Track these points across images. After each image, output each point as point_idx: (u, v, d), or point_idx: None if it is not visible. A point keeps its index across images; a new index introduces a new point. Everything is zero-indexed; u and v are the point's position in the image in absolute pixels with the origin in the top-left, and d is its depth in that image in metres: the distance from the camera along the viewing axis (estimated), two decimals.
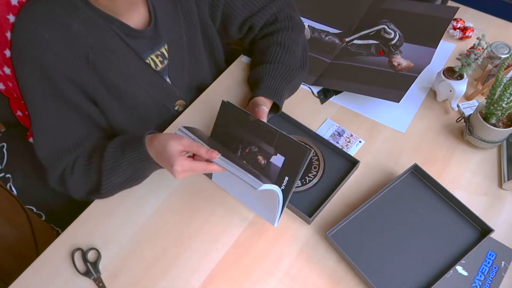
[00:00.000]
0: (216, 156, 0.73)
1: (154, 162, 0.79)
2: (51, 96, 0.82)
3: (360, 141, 0.98)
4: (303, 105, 1.05)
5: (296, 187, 0.89)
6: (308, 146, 0.77)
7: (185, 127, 0.81)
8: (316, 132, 0.98)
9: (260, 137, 0.83)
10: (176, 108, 1.05)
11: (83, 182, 0.86)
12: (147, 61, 0.92)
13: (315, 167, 0.93)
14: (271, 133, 0.81)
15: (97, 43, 0.83)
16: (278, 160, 0.82)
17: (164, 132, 1.01)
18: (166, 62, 0.96)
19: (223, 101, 0.89)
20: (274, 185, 0.75)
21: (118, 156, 0.81)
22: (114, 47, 0.85)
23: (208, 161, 0.75)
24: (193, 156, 0.76)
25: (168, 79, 0.99)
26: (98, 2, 0.81)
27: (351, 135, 0.99)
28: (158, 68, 0.95)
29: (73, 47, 0.80)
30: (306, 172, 0.92)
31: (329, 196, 0.88)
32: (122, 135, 0.86)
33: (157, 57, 0.94)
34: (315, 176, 0.92)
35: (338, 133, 0.99)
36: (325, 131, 1.00)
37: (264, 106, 0.91)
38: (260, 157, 0.84)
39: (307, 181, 0.91)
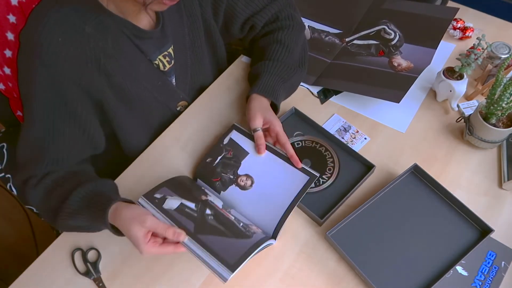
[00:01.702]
0: (183, 239, 0.73)
1: (112, 227, 0.77)
2: (52, 103, 0.80)
3: (365, 138, 0.98)
4: (304, 105, 1.05)
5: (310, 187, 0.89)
6: (314, 172, 0.84)
7: (147, 196, 0.80)
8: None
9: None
10: (178, 108, 1.05)
11: (40, 201, 0.83)
12: (156, 62, 0.93)
13: (329, 169, 0.93)
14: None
15: (108, 46, 0.82)
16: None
17: (165, 131, 1.02)
18: (173, 62, 0.97)
19: (234, 124, 0.94)
20: (242, 261, 0.72)
21: (81, 206, 0.79)
22: (124, 50, 0.85)
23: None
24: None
25: (173, 80, 0.99)
26: (109, 5, 0.81)
27: (357, 131, 0.99)
28: (166, 69, 0.96)
29: (85, 51, 0.80)
30: (320, 174, 0.92)
31: (341, 199, 0.87)
32: (94, 184, 0.82)
33: (164, 57, 0.94)
34: (329, 177, 0.92)
35: (344, 128, 0.99)
36: (331, 126, 1.00)
37: (258, 129, 0.90)
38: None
39: (321, 183, 0.91)
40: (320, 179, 0.91)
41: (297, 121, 1.02)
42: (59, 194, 0.81)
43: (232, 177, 0.88)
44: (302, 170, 0.85)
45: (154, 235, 0.74)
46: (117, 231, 0.77)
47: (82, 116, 0.84)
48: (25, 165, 0.84)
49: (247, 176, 0.88)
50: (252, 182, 0.87)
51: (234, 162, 0.90)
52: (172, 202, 0.81)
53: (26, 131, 0.83)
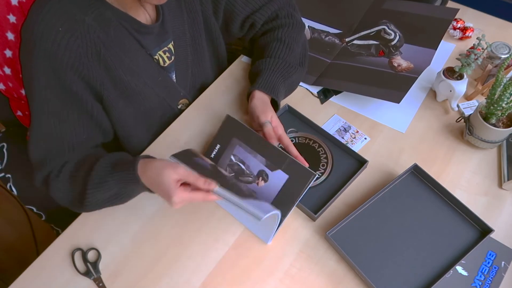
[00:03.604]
0: (214, 187, 0.73)
1: (143, 186, 0.78)
2: (57, 92, 0.81)
3: (365, 138, 0.98)
4: (304, 105, 1.05)
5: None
6: (312, 170, 0.82)
7: (175, 155, 0.81)
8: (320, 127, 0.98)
9: (267, 157, 0.87)
10: (179, 107, 1.05)
11: (66, 189, 0.84)
12: (156, 57, 0.93)
13: (323, 165, 0.93)
14: (280, 157, 0.85)
15: (108, 39, 0.83)
16: (278, 178, 0.85)
17: (165, 130, 1.02)
18: (173, 58, 0.97)
19: (227, 115, 0.92)
20: (275, 209, 0.75)
21: (107, 173, 0.80)
22: (124, 43, 0.86)
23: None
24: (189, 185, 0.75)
25: (174, 77, 0.99)
26: None
27: (357, 132, 0.99)
28: (166, 64, 0.96)
29: (86, 42, 0.80)
30: (313, 170, 0.92)
31: (335, 194, 0.88)
32: (116, 153, 0.85)
33: (164, 53, 0.94)
34: (322, 173, 0.92)
35: (344, 128, 0.99)
36: (331, 126, 1.00)
37: (269, 121, 0.89)
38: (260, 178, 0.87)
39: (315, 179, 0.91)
40: None
41: (291, 118, 1.02)
42: (82, 173, 0.82)
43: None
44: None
45: (184, 185, 0.74)
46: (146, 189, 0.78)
47: (86, 102, 0.84)
48: (43, 162, 0.84)
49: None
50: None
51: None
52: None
53: (35, 126, 0.83)
